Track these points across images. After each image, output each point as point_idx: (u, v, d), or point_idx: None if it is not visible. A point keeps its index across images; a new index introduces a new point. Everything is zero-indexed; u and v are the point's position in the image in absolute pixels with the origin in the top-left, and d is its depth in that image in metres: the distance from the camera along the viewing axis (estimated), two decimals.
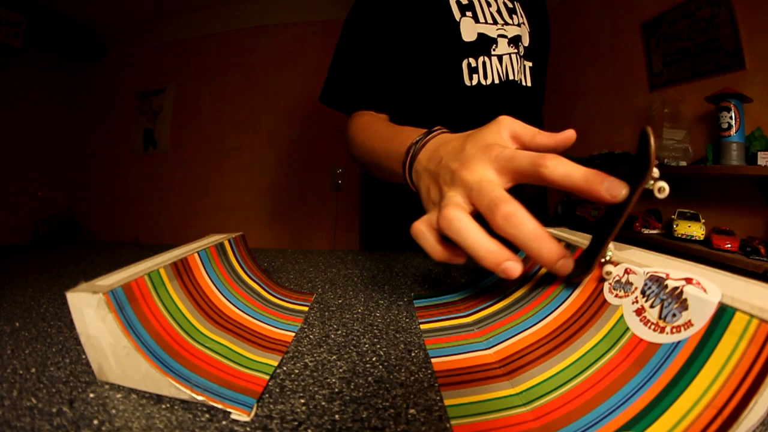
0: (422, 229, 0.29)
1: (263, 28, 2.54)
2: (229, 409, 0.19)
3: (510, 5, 0.67)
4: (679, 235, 1.37)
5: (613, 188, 0.22)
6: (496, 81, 0.64)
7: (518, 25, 0.66)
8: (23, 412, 0.19)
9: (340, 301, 0.37)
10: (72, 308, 0.21)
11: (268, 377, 0.23)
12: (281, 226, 2.52)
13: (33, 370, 0.24)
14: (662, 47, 1.68)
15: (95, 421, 0.19)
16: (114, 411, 0.20)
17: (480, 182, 0.26)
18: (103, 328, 0.21)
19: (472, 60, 0.63)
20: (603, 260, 0.24)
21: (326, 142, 2.42)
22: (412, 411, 0.20)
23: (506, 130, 0.29)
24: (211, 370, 0.22)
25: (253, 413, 0.19)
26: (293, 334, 0.29)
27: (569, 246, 0.30)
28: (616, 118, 1.97)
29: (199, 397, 0.20)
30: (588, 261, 0.25)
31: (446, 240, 0.28)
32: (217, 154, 2.60)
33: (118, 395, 0.21)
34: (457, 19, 0.62)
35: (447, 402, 0.20)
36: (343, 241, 2.42)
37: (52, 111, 2.78)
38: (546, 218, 0.77)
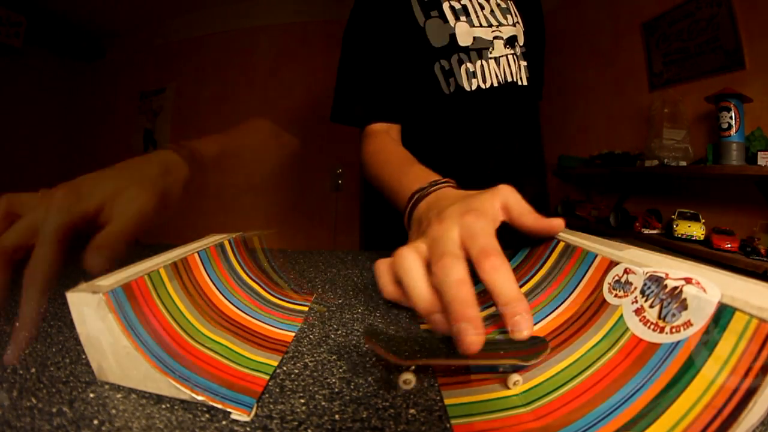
0: (382, 268, 0.29)
1: (263, 28, 2.53)
2: (229, 409, 0.19)
3: (503, 5, 0.66)
4: (679, 235, 1.37)
5: (517, 324, 0.23)
6: (495, 84, 0.63)
7: (513, 24, 0.66)
8: (23, 412, 0.19)
9: (340, 301, 0.37)
10: (72, 308, 0.21)
11: (268, 377, 0.23)
12: (281, 226, 2.52)
13: (33, 370, 0.24)
14: (662, 47, 1.68)
15: (95, 421, 0.19)
16: (114, 411, 0.20)
17: (441, 236, 0.27)
18: (103, 328, 0.21)
19: (469, 65, 0.62)
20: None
21: (326, 142, 2.41)
22: (412, 411, 0.20)
23: (499, 199, 0.30)
24: (211, 370, 0.22)
25: (253, 413, 0.19)
26: (293, 334, 0.29)
27: (568, 246, 0.30)
28: (616, 118, 1.97)
29: (199, 397, 0.20)
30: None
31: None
32: None
33: (118, 395, 0.21)
34: (452, 25, 0.62)
35: (447, 402, 0.20)
36: (343, 241, 2.42)
37: (52, 111, 2.78)
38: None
